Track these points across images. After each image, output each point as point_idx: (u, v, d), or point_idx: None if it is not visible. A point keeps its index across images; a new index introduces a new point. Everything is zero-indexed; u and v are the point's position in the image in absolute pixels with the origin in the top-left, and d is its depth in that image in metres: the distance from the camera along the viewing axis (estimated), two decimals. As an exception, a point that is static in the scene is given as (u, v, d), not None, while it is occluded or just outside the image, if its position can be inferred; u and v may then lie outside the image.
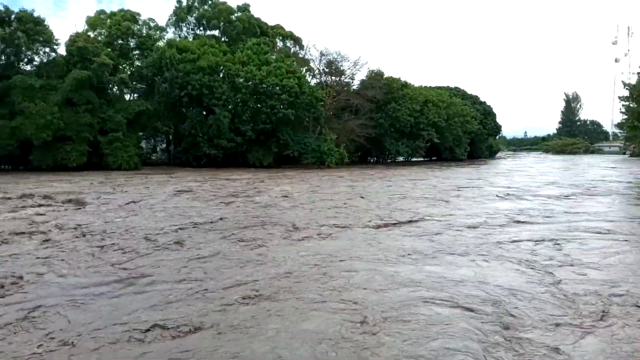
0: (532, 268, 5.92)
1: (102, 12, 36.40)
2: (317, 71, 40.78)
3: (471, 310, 4.37)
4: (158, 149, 40.32)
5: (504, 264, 6.17)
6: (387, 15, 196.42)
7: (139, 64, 35.19)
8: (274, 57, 35.27)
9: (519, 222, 9.52)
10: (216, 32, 39.32)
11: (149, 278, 5.46)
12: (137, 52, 35.61)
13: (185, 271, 5.76)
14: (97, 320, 4.15)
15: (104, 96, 30.28)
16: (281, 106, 32.31)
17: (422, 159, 49.30)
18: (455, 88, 57.92)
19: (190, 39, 37.71)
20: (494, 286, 5.12)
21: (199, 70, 31.70)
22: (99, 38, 33.34)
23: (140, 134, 34.42)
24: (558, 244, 7.34)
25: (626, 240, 7.73)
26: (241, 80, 32.50)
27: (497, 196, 14.57)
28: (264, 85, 32.30)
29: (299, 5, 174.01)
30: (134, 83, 34.67)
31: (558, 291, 4.93)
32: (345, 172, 28.10)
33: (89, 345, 3.66)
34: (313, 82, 39.18)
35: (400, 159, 46.43)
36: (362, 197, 14.38)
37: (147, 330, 3.93)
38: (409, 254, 6.66)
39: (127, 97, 34.56)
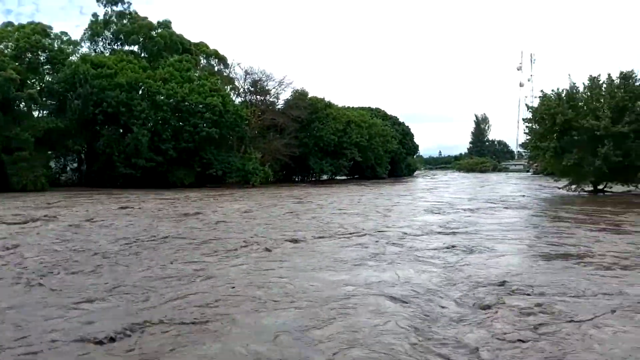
0: (444, 268, 6.64)
1: (9, 24, 33.89)
2: (241, 90, 40.82)
3: (396, 301, 5.04)
4: (68, 168, 37.71)
5: (425, 267, 6.80)
6: (312, 36, 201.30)
7: (50, 79, 33.07)
8: (197, 74, 34.78)
9: (441, 232, 10.34)
10: (135, 48, 38.06)
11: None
12: (48, 66, 33.40)
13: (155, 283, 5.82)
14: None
15: (10, 113, 28.04)
16: (205, 125, 31.80)
17: (345, 178, 50.57)
18: (376, 109, 60.35)
19: (107, 54, 36.17)
20: (413, 284, 5.77)
21: (116, 86, 30.43)
22: (6, 51, 30.96)
23: (50, 152, 32.16)
24: (470, 249, 8.10)
25: (525, 245, 8.85)
26: (162, 97, 31.62)
27: (425, 210, 15.61)
28: (186, 103, 31.66)
29: (223, 24, 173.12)
30: (44, 99, 32.42)
31: (459, 287, 5.63)
32: (284, 190, 28.59)
33: None
34: (238, 100, 39.12)
35: (325, 177, 47.36)
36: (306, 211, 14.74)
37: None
38: (349, 262, 7.16)
39: (35, 114, 32.21)
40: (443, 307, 4.82)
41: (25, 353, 3.68)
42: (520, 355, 3.64)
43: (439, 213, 14.58)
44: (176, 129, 31.66)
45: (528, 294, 5.27)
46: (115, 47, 38.08)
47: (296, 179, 46.08)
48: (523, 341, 3.91)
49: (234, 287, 5.65)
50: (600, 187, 24.21)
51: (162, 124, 31.50)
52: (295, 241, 9.13)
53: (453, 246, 8.37)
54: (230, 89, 38.77)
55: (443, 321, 4.41)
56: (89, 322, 4.37)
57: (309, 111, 41.12)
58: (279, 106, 41.65)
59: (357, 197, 22.89)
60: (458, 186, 34.16)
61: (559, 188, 25.36)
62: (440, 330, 4.16)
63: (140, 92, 32.21)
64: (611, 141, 21.01)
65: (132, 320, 4.39)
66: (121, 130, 31.45)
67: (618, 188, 24.38)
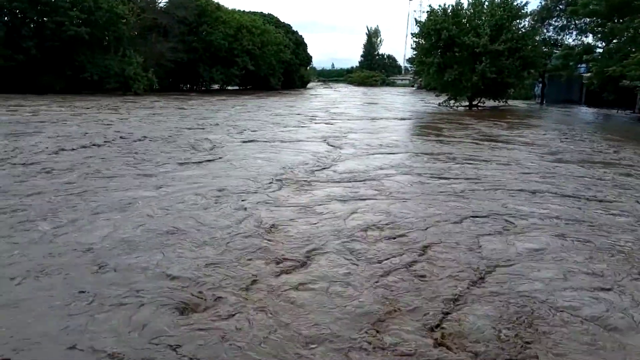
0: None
1: None
2: (116, -18, 35.77)
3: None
4: None
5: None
6: None
7: None
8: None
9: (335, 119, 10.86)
10: None
11: None
12: None
13: None
14: None
15: None
16: (73, 22, 27.72)
17: (237, 88, 48.62)
18: (269, 15, 57.39)
19: None
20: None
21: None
22: None
23: None
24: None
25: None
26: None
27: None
28: (48, -5, 27.05)
29: None
30: None
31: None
32: (187, 100, 27.14)
33: None
34: (112, -5, 34.31)
35: (216, 87, 45.12)
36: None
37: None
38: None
39: None
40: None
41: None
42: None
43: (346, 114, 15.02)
44: (39, 25, 27.29)
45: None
46: None
47: (184, 88, 43.24)
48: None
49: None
50: (475, 102, 26.27)
51: (22, 18, 26.91)
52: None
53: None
54: (103, -19, 33.77)
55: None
56: None
57: (196, 12, 37.78)
58: (162, 4, 37.66)
59: (277, 105, 22.61)
60: (358, 98, 35.07)
61: (439, 104, 26.55)
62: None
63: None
64: (488, 58, 22.51)
65: None
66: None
67: (490, 103, 26.67)
